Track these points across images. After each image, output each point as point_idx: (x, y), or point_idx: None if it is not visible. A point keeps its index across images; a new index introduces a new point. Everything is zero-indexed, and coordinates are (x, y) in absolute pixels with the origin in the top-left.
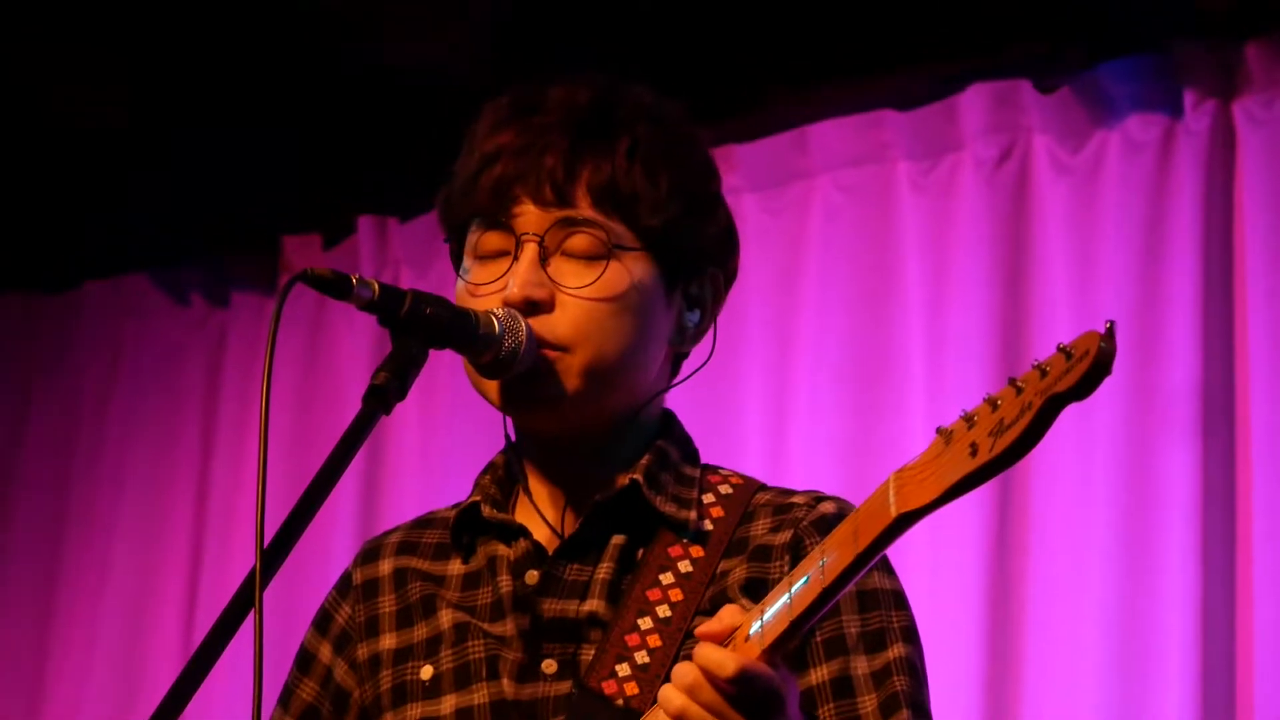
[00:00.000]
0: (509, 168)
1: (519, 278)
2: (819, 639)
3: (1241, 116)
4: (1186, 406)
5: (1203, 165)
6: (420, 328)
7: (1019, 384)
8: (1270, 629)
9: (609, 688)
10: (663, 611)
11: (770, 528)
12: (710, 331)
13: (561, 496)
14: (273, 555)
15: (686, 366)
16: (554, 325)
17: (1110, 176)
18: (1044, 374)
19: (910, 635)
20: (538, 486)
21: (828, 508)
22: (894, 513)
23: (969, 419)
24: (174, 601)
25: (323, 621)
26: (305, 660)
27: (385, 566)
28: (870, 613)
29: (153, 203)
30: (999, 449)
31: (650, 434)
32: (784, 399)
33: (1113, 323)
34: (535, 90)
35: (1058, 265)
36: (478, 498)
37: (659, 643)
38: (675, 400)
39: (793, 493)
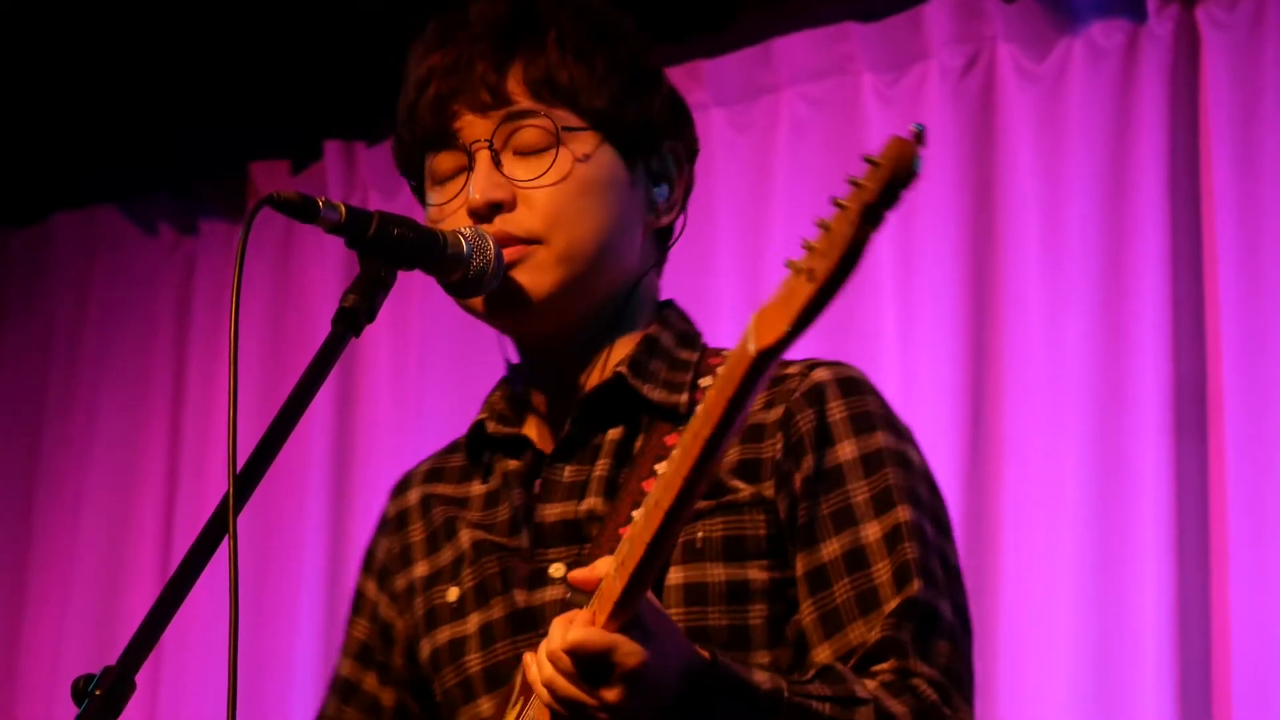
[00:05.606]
0: (442, 86)
1: (477, 184)
2: (826, 511)
3: (1205, 20)
4: (1154, 302)
5: (1167, 70)
6: (388, 249)
7: (842, 202)
8: (1246, 622)
9: None
10: None
11: (764, 403)
12: (679, 205)
13: (561, 402)
14: (246, 480)
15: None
16: (521, 220)
17: (1075, 83)
18: (859, 187)
19: (916, 497)
20: (541, 396)
21: (821, 375)
22: (753, 351)
23: (808, 247)
24: (150, 528)
25: (367, 560)
26: (356, 600)
27: (413, 496)
28: (874, 474)
29: (119, 133)
30: (830, 266)
31: (644, 323)
32: None
33: (920, 127)
34: (458, 12)
35: (1025, 173)
36: (484, 415)
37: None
38: None
39: (789, 363)
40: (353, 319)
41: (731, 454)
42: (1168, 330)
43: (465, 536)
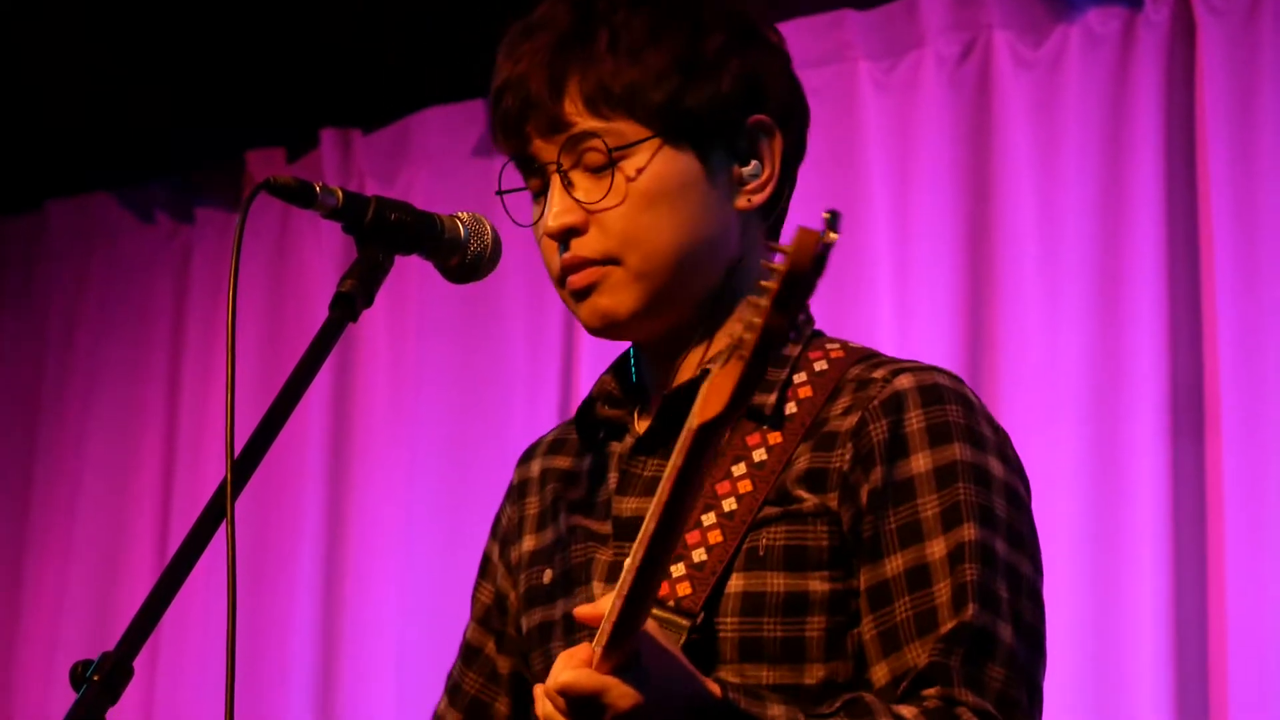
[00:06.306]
0: (510, 104)
1: (551, 210)
2: (893, 525)
3: (1201, 7)
4: (1150, 291)
5: (1163, 57)
6: (385, 233)
7: (766, 285)
8: (1243, 620)
9: (660, 590)
10: (728, 505)
11: (843, 409)
12: (775, 176)
13: (660, 393)
14: (243, 466)
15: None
16: (593, 243)
17: (1071, 70)
18: (771, 274)
19: (988, 514)
20: (645, 385)
21: (903, 383)
22: (694, 425)
23: (745, 320)
24: (147, 515)
25: (494, 525)
26: (483, 564)
27: (535, 467)
28: (945, 489)
29: (115, 120)
30: (749, 347)
31: None
32: None
33: (833, 215)
34: (530, 14)
35: (1021, 161)
36: (593, 394)
37: (719, 539)
38: None
39: (878, 365)
40: (350, 304)
41: (801, 462)
42: (1164, 321)
43: (564, 518)
